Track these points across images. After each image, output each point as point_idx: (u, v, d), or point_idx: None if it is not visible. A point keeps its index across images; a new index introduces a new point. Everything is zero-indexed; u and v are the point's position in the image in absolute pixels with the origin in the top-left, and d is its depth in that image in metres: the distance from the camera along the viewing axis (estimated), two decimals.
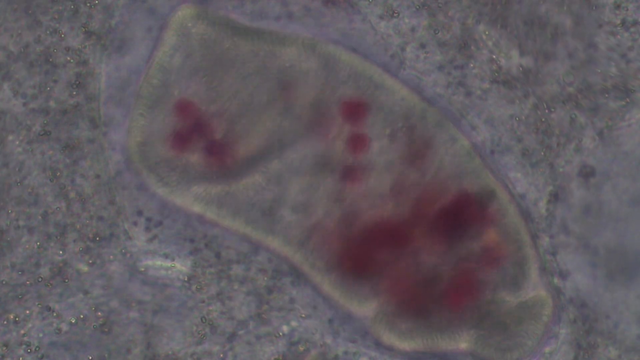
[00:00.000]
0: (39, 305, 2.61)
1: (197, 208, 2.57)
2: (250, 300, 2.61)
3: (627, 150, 2.59)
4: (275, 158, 2.54)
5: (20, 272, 2.61)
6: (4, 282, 2.61)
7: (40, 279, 2.60)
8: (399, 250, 2.54)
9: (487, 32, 2.60)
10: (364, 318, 2.58)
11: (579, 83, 2.61)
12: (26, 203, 2.60)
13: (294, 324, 2.61)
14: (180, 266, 2.60)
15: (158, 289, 2.60)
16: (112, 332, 2.61)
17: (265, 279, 2.60)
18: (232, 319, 2.61)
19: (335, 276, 2.56)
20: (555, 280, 2.60)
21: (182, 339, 2.61)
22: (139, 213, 2.60)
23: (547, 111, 2.60)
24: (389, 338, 2.58)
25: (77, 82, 2.59)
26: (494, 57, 2.60)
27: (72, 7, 2.60)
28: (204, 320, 2.61)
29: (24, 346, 2.60)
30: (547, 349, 2.60)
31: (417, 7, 2.60)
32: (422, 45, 2.61)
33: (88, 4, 2.59)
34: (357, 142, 2.53)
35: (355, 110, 2.53)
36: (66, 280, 2.60)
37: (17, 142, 2.60)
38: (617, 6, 2.60)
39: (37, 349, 2.60)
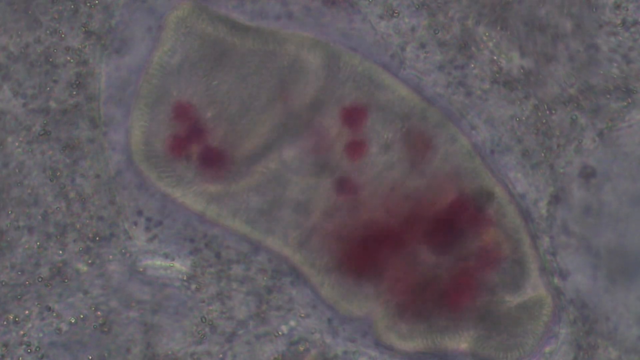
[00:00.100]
0: (39, 305, 2.61)
1: (197, 207, 2.57)
2: (250, 300, 2.61)
3: (627, 151, 2.59)
4: (275, 158, 2.54)
5: (20, 272, 2.61)
6: (3, 283, 2.61)
7: (40, 279, 2.61)
8: (398, 251, 2.54)
9: (487, 34, 2.60)
10: (364, 319, 2.58)
11: (580, 84, 2.60)
12: (26, 203, 2.60)
13: (293, 323, 2.61)
14: (180, 266, 2.60)
15: (158, 288, 2.60)
16: (111, 331, 2.61)
17: (265, 279, 2.60)
18: (232, 318, 2.61)
19: (334, 277, 2.56)
20: (555, 280, 2.60)
21: (181, 339, 2.61)
22: (139, 213, 2.60)
23: (547, 112, 2.60)
24: (389, 338, 2.58)
25: (77, 82, 2.60)
26: (495, 58, 2.60)
27: (72, 7, 2.60)
28: (203, 320, 2.61)
29: (24, 346, 2.60)
30: (547, 349, 2.60)
31: (417, 6, 2.60)
32: (422, 45, 2.61)
33: (88, 4, 2.59)
34: (355, 149, 2.53)
35: (354, 116, 2.52)
36: (66, 280, 2.61)
37: (17, 142, 2.60)
38: (617, 6, 2.60)
39: (37, 349, 2.60)
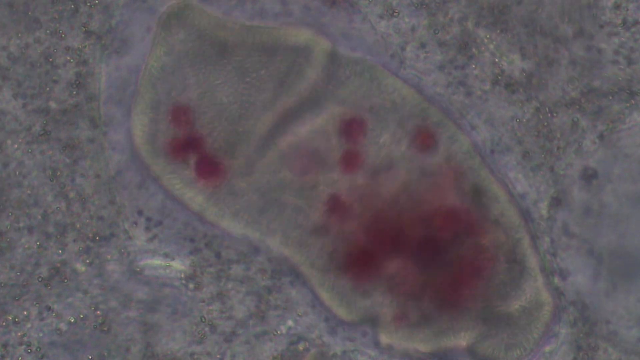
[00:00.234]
0: (39, 305, 2.61)
1: (197, 207, 2.57)
2: (249, 300, 2.61)
3: (628, 153, 2.59)
4: (274, 158, 2.54)
5: (19, 272, 2.61)
6: (3, 283, 2.61)
7: (40, 279, 2.61)
8: (396, 252, 2.54)
9: (487, 36, 2.60)
10: (365, 321, 2.58)
11: (583, 87, 2.60)
12: (26, 203, 2.61)
13: (293, 323, 2.61)
14: (180, 266, 2.61)
15: (157, 288, 2.61)
16: (111, 331, 2.61)
17: (265, 279, 2.60)
18: (232, 318, 2.61)
19: (334, 277, 2.56)
20: (556, 280, 2.59)
21: (181, 339, 2.61)
22: (139, 213, 2.60)
23: (549, 115, 2.60)
24: (389, 338, 2.58)
25: (77, 82, 2.60)
26: (497, 60, 2.60)
27: (72, 7, 2.60)
28: (203, 320, 2.61)
29: (24, 346, 2.61)
30: (547, 349, 2.60)
31: (416, 6, 2.60)
32: (422, 45, 2.61)
33: (88, 4, 2.60)
34: (350, 161, 2.53)
35: (353, 128, 2.52)
36: (65, 280, 2.61)
37: (17, 142, 2.61)
38: (617, 6, 2.59)
39: (37, 349, 2.60)
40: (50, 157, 2.60)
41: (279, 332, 2.61)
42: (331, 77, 2.55)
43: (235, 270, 2.61)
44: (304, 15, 2.57)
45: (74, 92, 2.60)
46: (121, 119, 2.58)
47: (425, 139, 2.53)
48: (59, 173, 2.61)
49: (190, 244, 2.60)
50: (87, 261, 2.61)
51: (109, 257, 2.61)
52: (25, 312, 2.61)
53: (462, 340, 2.57)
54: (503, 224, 2.56)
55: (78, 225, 2.61)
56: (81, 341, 2.61)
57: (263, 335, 2.62)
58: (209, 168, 2.55)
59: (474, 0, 2.61)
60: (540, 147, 2.61)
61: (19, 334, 2.61)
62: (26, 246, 2.61)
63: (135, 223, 2.60)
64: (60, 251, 2.61)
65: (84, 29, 2.60)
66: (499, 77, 2.60)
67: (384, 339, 2.58)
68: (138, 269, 2.60)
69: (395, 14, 2.60)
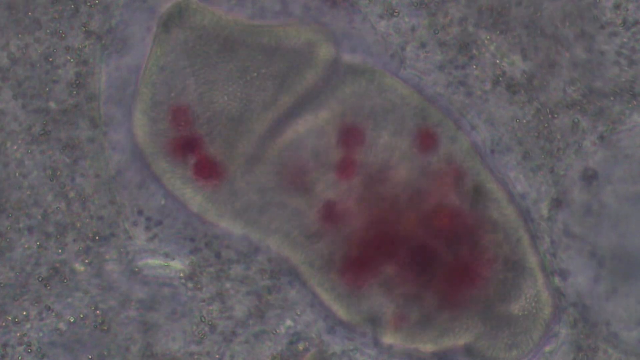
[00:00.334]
0: (38, 305, 2.61)
1: (198, 206, 2.57)
2: (249, 299, 2.61)
3: (628, 154, 2.59)
4: (274, 157, 2.54)
5: (19, 273, 2.61)
6: (2, 284, 2.61)
7: (40, 279, 2.61)
8: (396, 253, 2.54)
9: (488, 37, 2.60)
10: (365, 321, 2.58)
11: (584, 88, 2.60)
12: (26, 203, 2.61)
13: (292, 322, 2.61)
14: (180, 265, 2.61)
15: (157, 288, 2.61)
16: (111, 331, 2.61)
17: (265, 278, 2.60)
18: (231, 318, 2.62)
19: (334, 278, 2.56)
20: (556, 280, 2.59)
21: (181, 338, 2.61)
22: (139, 212, 2.60)
23: (549, 116, 2.59)
24: (390, 339, 2.58)
25: (77, 82, 2.60)
26: (498, 62, 2.59)
27: (72, 7, 2.60)
28: (203, 320, 2.61)
29: (24, 346, 2.61)
30: (547, 348, 2.60)
31: (416, 5, 2.60)
32: (423, 45, 2.61)
33: (88, 4, 2.60)
34: (346, 168, 2.53)
35: (351, 137, 2.52)
36: (65, 280, 2.61)
37: (17, 142, 2.61)
38: (617, 6, 2.59)
39: (38, 350, 2.61)
40: (50, 157, 2.61)
41: (278, 331, 2.61)
42: (332, 77, 2.55)
43: (235, 270, 2.61)
44: (304, 15, 2.57)
45: (74, 92, 2.60)
46: (121, 119, 2.58)
47: (426, 140, 2.53)
48: (59, 173, 2.61)
49: (190, 244, 2.60)
50: (87, 261, 2.61)
51: (107, 257, 2.61)
52: (24, 312, 2.61)
53: (462, 340, 2.57)
54: (503, 224, 2.56)
55: (78, 225, 2.61)
56: (81, 341, 2.61)
57: (262, 335, 2.62)
58: (208, 168, 2.55)
59: (474, 0, 2.61)
60: (540, 148, 2.61)
61: (19, 334, 2.61)
62: (26, 246, 2.61)
63: (135, 223, 2.60)
64: (60, 251, 2.61)
65: (84, 29, 2.60)
66: (500, 79, 2.60)
67: (387, 339, 2.58)
68: (136, 269, 2.60)
69: (395, 13, 2.60)
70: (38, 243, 2.60)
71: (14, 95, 2.60)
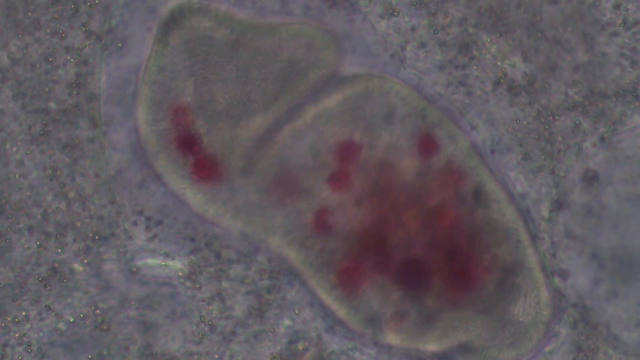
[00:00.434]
0: (38, 305, 2.61)
1: (198, 206, 2.57)
2: (249, 299, 2.61)
3: (629, 154, 2.59)
4: (274, 157, 2.54)
5: (19, 272, 2.61)
6: (2, 284, 2.62)
7: (40, 279, 2.61)
8: (395, 254, 2.54)
9: (488, 39, 2.59)
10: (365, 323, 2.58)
11: (585, 89, 2.59)
12: (26, 203, 2.61)
13: (291, 322, 2.61)
14: (180, 265, 2.61)
15: (157, 287, 2.61)
16: (110, 330, 2.61)
17: (265, 278, 2.60)
18: (231, 318, 2.62)
19: (332, 279, 2.56)
20: (556, 280, 2.59)
21: (181, 338, 2.62)
22: (139, 212, 2.60)
23: (550, 118, 2.59)
24: (390, 339, 2.58)
25: (77, 82, 2.60)
26: (499, 64, 2.59)
27: (72, 6, 2.60)
28: (202, 320, 2.61)
29: (23, 346, 2.61)
30: (547, 348, 2.59)
31: (415, 4, 2.60)
32: (423, 45, 2.61)
33: (88, 4, 2.60)
34: (339, 180, 2.53)
35: (348, 151, 2.52)
36: (65, 280, 2.61)
37: (17, 143, 2.61)
38: (617, 6, 2.59)
39: (39, 350, 2.61)
40: (50, 157, 2.61)
41: (277, 331, 2.61)
42: (333, 78, 2.55)
43: (235, 270, 2.61)
44: (304, 15, 2.57)
45: (74, 92, 2.60)
46: (121, 119, 2.58)
47: (427, 145, 2.53)
48: (59, 173, 2.61)
49: (190, 244, 2.60)
50: (87, 261, 2.61)
51: (105, 257, 2.61)
52: (23, 313, 2.62)
53: (462, 339, 2.57)
54: (503, 224, 2.55)
55: (78, 225, 2.61)
56: (81, 341, 2.62)
57: (262, 334, 2.62)
58: (208, 167, 2.55)
59: (474, 0, 2.61)
60: (541, 149, 2.60)
61: (18, 334, 2.61)
62: (26, 246, 2.61)
63: (136, 223, 2.60)
64: (59, 250, 2.61)
65: (84, 29, 2.60)
66: (502, 80, 2.59)
67: (387, 339, 2.57)
68: (134, 269, 2.60)
69: (395, 13, 2.60)
70: (38, 243, 2.61)
71: (14, 95, 2.60)
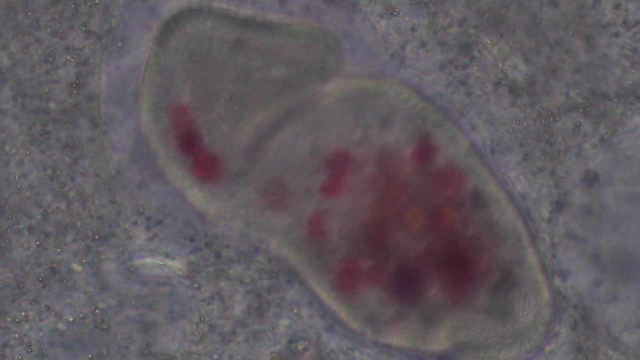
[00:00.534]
0: (38, 305, 2.61)
1: (198, 205, 2.57)
2: (248, 299, 2.61)
3: (629, 155, 2.58)
4: (273, 157, 2.54)
5: (19, 273, 2.62)
6: (2, 284, 2.62)
7: (40, 279, 2.61)
8: (394, 254, 2.54)
9: (489, 41, 2.59)
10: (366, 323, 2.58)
11: (587, 91, 2.59)
12: (26, 203, 2.61)
13: (291, 322, 2.61)
14: (180, 265, 2.61)
15: (157, 287, 2.61)
16: (110, 330, 2.62)
17: (264, 278, 2.60)
18: (231, 317, 2.62)
19: (332, 279, 2.56)
20: (556, 281, 2.59)
21: (180, 338, 2.62)
22: (139, 212, 2.60)
23: (551, 119, 2.59)
24: (391, 340, 2.58)
25: (77, 82, 2.60)
26: (500, 65, 2.59)
27: (72, 6, 2.60)
28: (202, 319, 2.61)
29: (24, 346, 2.61)
30: (547, 348, 2.59)
31: (415, 4, 2.59)
32: (423, 44, 2.60)
33: (88, 4, 2.60)
34: (331, 189, 2.53)
35: (338, 164, 2.53)
36: (64, 280, 2.61)
37: (17, 142, 2.61)
38: (617, 6, 2.58)
39: (39, 350, 2.61)
40: (50, 157, 2.61)
41: (277, 331, 2.61)
42: (333, 78, 2.55)
43: (235, 269, 2.61)
44: (304, 15, 2.57)
45: (74, 92, 2.60)
46: (121, 119, 2.58)
47: (425, 150, 2.53)
48: (59, 172, 2.61)
49: (190, 244, 2.61)
50: (86, 260, 2.61)
51: (103, 256, 2.61)
52: (23, 313, 2.62)
53: (462, 340, 2.57)
54: (503, 224, 2.55)
55: (79, 224, 2.61)
56: (80, 340, 2.62)
57: (262, 334, 2.62)
58: (209, 166, 2.56)
59: (474, 0, 2.60)
60: (541, 150, 2.60)
61: (18, 334, 2.62)
62: (25, 246, 2.61)
63: (136, 222, 2.60)
64: (59, 250, 2.61)
65: (84, 29, 2.60)
66: (503, 82, 2.59)
67: (390, 339, 2.58)
68: (133, 269, 2.60)
69: (395, 13, 2.60)
70: (38, 243, 2.61)
71: (13, 95, 2.61)
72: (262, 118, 2.54)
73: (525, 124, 2.60)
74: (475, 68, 2.60)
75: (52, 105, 2.61)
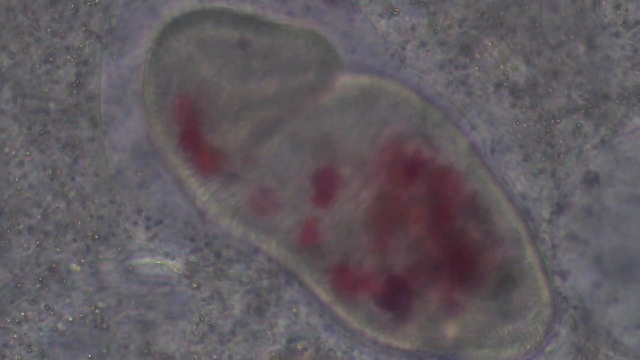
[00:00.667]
0: (38, 305, 2.62)
1: (199, 204, 2.58)
2: (248, 299, 2.62)
3: (630, 156, 2.58)
4: (273, 156, 2.55)
5: (19, 272, 2.62)
6: (1, 284, 2.63)
7: (40, 279, 2.62)
8: (394, 254, 2.54)
9: (489, 43, 2.58)
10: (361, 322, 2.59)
11: (588, 93, 2.58)
12: (26, 203, 2.62)
13: (290, 321, 2.61)
14: (179, 265, 2.61)
15: (156, 287, 2.61)
16: (110, 329, 2.62)
17: (264, 278, 2.60)
18: (230, 317, 2.62)
19: (332, 280, 2.56)
20: (556, 281, 2.59)
21: (180, 337, 2.62)
22: (139, 212, 2.60)
23: (552, 121, 2.58)
24: (389, 339, 2.58)
25: (78, 82, 2.60)
26: (502, 67, 2.58)
27: (72, 6, 2.60)
28: (202, 319, 2.61)
29: (24, 346, 2.62)
30: (547, 348, 2.59)
31: (415, 3, 2.59)
32: (423, 44, 2.60)
33: (88, 4, 2.60)
34: (324, 196, 2.53)
35: (326, 182, 2.53)
36: (64, 280, 2.62)
37: (17, 142, 2.62)
38: (617, 7, 2.58)
39: (40, 351, 2.62)
40: (50, 157, 2.61)
41: (276, 330, 2.62)
42: (333, 77, 2.55)
43: (234, 269, 2.61)
44: (304, 15, 2.57)
45: (74, 92, 2.61)
46: (121, 119, 2.59)
47: (411, 167, 2.53)
48: (58, 172, 2.61)
49: (190, 243, 2.61)
50: (86, 260, 2.62)
51: (101, 256, 2.62)
52: (22, 313, 2.63)
53: (462, 340, 2.57)
54: (502, 224, 2.55)
55: (79, 223, 2.62)
56: (80, 340, 2.63)
57: (261, 334, 2.62)
58: (209, 165, 2.56)
59: (474, 1, 2.60)
60: (541, 152, 2.59)
61: (16, 335, 2.62)
62: (25, 246, 2.62)
63: (135, 222, 2.61)
64: (58, 249, 2.62)
65: (84, 29, 2.60)
66: (505, 84, 2.59)
67: (392, 340, 2.58)
68: (130, 268, 2.61)
69: (395, 12, 2.59)
70: (38, 243, 2.62)
71: (13, 95, 2.61)
72: (261, 118, 2.54)
73: (525, 125, 2.59)
74: (477, 68, 2.59)
75: (52, 105, 2.61)
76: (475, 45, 2.59)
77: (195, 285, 2.61)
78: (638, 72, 2.59)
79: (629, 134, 2.59)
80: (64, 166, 2.61)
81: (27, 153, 2.61)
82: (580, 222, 2.58)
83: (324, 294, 2.57)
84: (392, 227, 2.53)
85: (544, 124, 2.59)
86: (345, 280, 2.55)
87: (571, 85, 2.58)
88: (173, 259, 2.61)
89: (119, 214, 2.61)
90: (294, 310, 2.61)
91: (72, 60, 2.60)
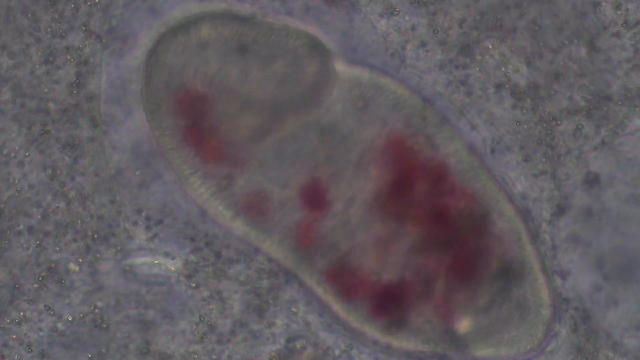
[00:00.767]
0: (37, 305, 2.63)
1: (200, 203, 2.58)
2: (248, 298, 2.62)
3: (630, 157, 2.58)
4: (273, 156, 2.55)
5: (18, 272, 2.63)
6: (1, 284, 2.63)
7: (40, 278, 2.63)
8: (393, 255, 2.54)
9: (490, 45, 2.58)
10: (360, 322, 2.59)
11: (590, 94, 2.58)
12: (26, 203, 2.62)
13: (290, 321, 2.61)
14: (179, 264, 2.61)
15: (157, 287, 2.62)
16: (109, 329, 2.63)
17: (264, 277, 2.61)
18: (230, 317, 2.62)
19: (331, 280, 2.56)
20: (556, 281, 2.58)
21: (180, 337, 2.63)
22: (139, 212, 2.61)
23: (553, 123, 2.58)
24: (389, 340, 2.58)
25: (78, 82, 2.61)
26: (503, 69, 2.58)
27: (73, 6, 2.60)
28: (202, 319, 2.62)
29: (24, 346, 2.63)
30: (547, 348, 2.59)
31: (414, 2, 2.58)
32: (423, 44, 2.60)
33: (88, 4, 2.60)
34: (315, 204, 2.54)
35: (315, 197, 2.53)
36: (63, 280, 2.62)
37: (17, 142, 2.62)
38: (617, 7, 2.57)
39: (41, 351, 2.62)
40: (49, 157, 2.62)
41: (276, 330, 2.62)
42: (332, 77, 2.55)
43: (234, 269, 2.61)
44: (304, 14, 2.56)
45: (74, 92, 2.61)
46: (122, 118, 2.59)
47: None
48: (58, 172, 2.62)
49: (190, 243, 2.61)
50: (86, 260, 2.62)
51: (104, 256, 2.62)
52: (22, 313, 2.63)
53: (462, 339, 2.57)
54: (502, 224, 2.55)
55: (79, 223, 2.62)
56: (80, 340, 2.63)
57: (261, 333, 2.63)
58: (210, 165, 2.56)
59: (474, 1, 2.59)
60: (542, 154, 2.59)
61: (17, 334, 2.63)
62: (25, 246, 2.62)
63: (135, 222, 2.61)
64: (57, 248, 2.62)
65: (84, 29, 2.60)
66: (506, 85, 2.58)
67: (392, 340, 2.58)
68: (128, 268, 2.61)
69: (395, 12, 2.59)
70: (37, 242, 2.62)
71: (13, 95, 2.61)
72: (261, 118, 2.54)
73: (525, 126, 2.59)
74: (477, 69, 2.59)
75: (52, 105, 2.61)
76: (475, 46, 2.59)
77: (193, 285, 2.61)
78: (632, 72, 2.58)
79: (629, 135, 2.58)
80: (64, 166, 2.62)
81: (27, 153, 2.62)
82: (580, 223, 2.58)
83: (324, 294, 2.57)
84: (392, 228, 2.53)
85: (544, 125, 2.59)
86: (345, 281, 2.55)
87: (573, 86, 2.58)
88: (173, 258, 2.61)
89: (119, 214, 2.61)
90: (294, 310, 2.61)
91: (72, 60, 2.60)
